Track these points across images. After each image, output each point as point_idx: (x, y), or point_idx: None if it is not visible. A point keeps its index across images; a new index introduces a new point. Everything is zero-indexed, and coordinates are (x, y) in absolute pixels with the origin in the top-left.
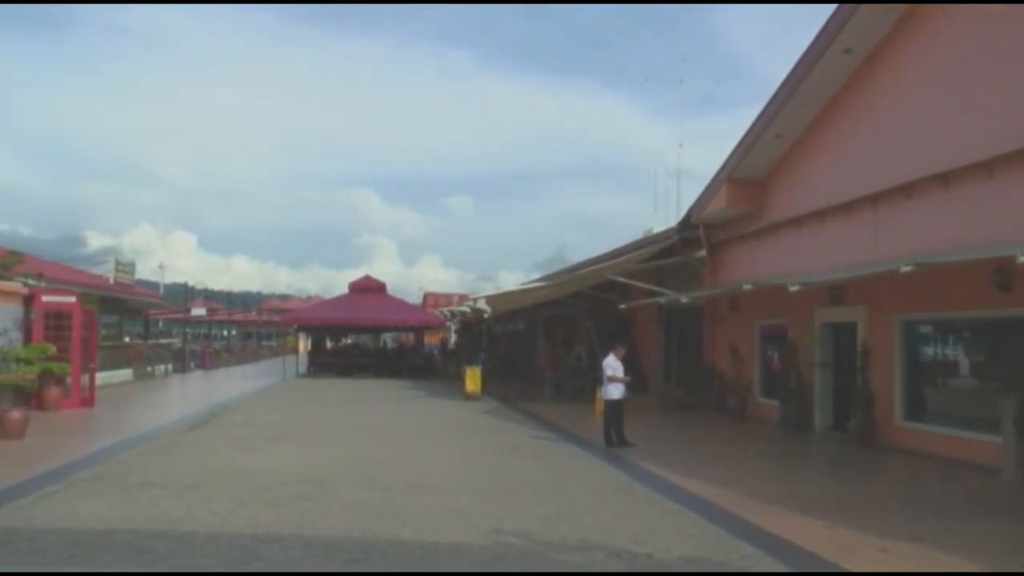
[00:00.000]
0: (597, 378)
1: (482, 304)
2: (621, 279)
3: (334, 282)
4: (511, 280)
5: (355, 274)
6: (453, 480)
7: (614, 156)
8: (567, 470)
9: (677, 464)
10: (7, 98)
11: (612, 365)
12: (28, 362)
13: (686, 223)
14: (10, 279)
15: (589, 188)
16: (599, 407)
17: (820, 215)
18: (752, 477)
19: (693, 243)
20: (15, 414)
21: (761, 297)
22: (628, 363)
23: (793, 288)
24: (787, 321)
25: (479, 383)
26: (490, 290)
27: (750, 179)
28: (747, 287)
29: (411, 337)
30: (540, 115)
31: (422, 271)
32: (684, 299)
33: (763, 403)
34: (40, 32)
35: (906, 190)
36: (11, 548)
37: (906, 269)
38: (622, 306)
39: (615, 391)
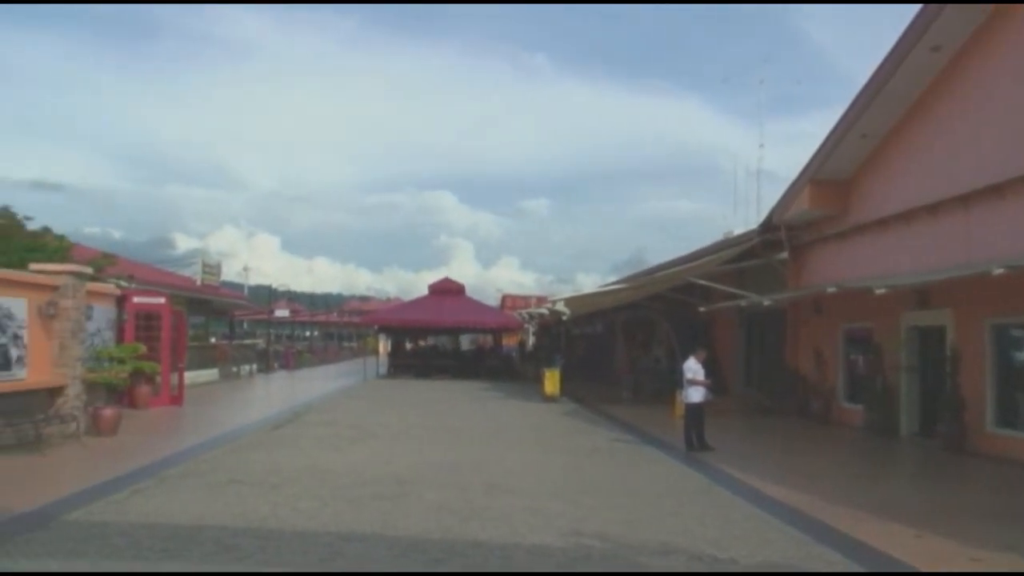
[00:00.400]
0: (676, 381)
1: (561, 306)
2: (701, 281)
3: (413, 284)
4: (589, 282)
5: (433, 276)
6: (533, 481)
7: (693, 158)
8: (647, 473)
9: (759, 468)
10: (99, 104)
11: (692, 368)
12: (120, 361)
13: (768, 225)
14: (103, 280)
15: (667, 190)
16: (679, 410)
17: (907, 216)
18: (837, 483)
19: (775, 245)
20: (108, 411)
21: (845, 300)
22: (708, 366)
23: (879, 291)
24: (872, 324)
25: (558, 385)
26: (568, 292)
27: (834, 180)
28: (831, 290)
29: (489, 339)
30: (618, 117)
31: (499, 273)
32: (766, 302)
33: (847, 408)
34: (131, 40)
35: (998, 190)
36: (107, 542)
37: (998, 271)
38: (702, 308)
39: (696, 394)
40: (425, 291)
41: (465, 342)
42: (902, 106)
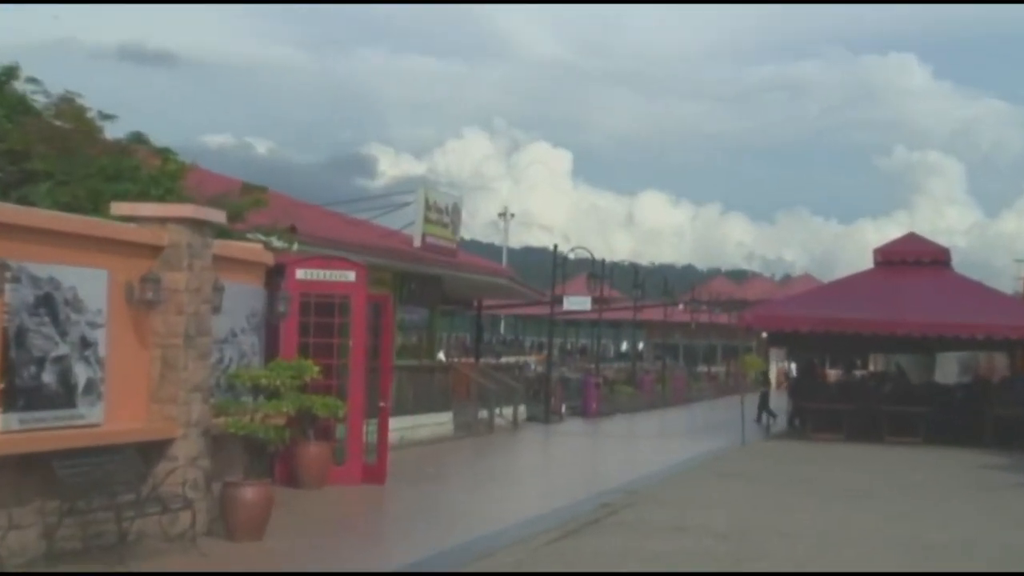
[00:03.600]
0: None
1: None
2: None
3: (837, 246)
4: None
5: (881, 230)
6: None
7: None
8: None
9: None
10: None
11: None
12: (274, 393)
13: None
14: (243, 237)
15: None
16: None
17: None
18: None
19: None
20: (249, 492)
21: None
22: None
23: None
24: None
25: None
26: None
27: None
28: None
29: (1003, 360)
30: None
31: (1004, 225)
32: None
33: None
34: None
35: None
36: None
37: None
38: None
39: None
40: (865, 262)
41: (951, 366)
42: None
